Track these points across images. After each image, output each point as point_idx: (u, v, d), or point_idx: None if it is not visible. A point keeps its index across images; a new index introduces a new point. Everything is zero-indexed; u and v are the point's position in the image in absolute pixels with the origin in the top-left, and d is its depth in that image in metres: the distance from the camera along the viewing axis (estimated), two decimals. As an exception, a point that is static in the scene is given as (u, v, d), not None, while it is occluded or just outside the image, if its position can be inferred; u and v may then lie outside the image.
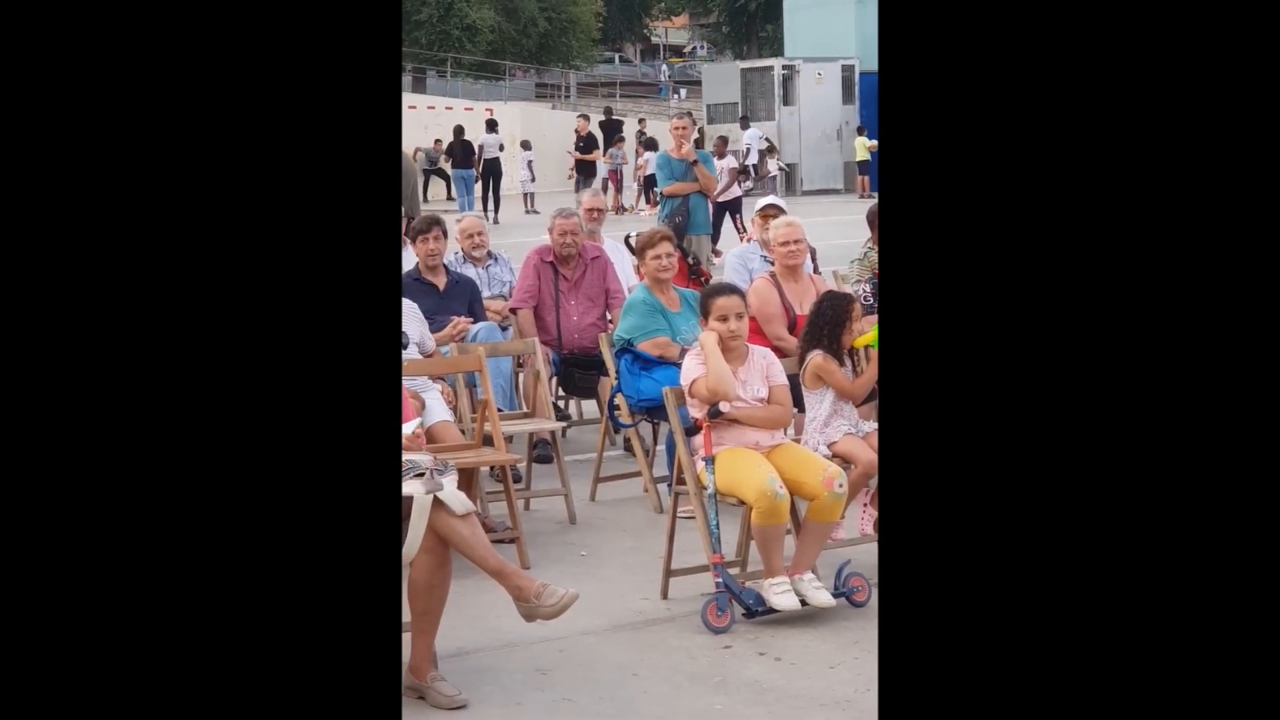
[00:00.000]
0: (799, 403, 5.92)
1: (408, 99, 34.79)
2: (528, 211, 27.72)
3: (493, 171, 27.85)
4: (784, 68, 32.85)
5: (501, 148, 28.62)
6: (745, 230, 10.90)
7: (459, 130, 28.45)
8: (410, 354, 6.60)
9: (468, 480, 5.73)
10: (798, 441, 5.70)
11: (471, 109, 33.97)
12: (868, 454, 5.63)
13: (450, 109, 33.86)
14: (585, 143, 27.94)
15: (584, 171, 27.23)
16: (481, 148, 28.20)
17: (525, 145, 29.80)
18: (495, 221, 25.21)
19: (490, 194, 27.71)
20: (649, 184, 27.68)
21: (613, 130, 30.51)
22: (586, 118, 29.51)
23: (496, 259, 8.76)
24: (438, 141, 29.60)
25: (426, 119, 31.84)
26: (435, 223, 7.80)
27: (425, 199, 21.44)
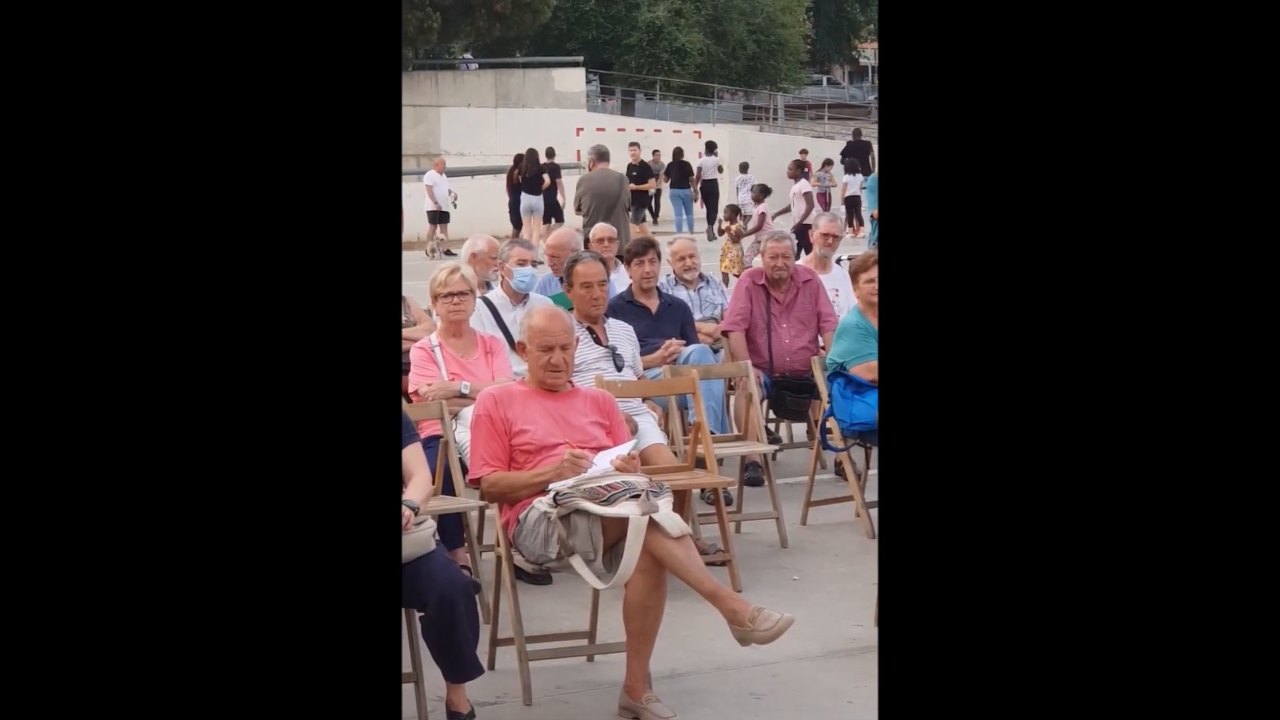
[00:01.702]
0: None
1: (616, 121, 35.14)
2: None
3: (710, 192, 28.37)
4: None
5: (720, 169, 28.76)
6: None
7: (677, 151, 28.69)
8: (624, 376, 6.65)
9: (681, 502, 5.74)
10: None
11: (680, 131, 34.14)
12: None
13: (659, 131, 34.09)
14: (639, 172, 25.86)
15: (637, 202, 25.05)
16: (700, 169, 28.44)
17: (743, 168, 29.83)
18: (711, 238, 25.69)
19: (709, 214, 27.98)
20: (851, 206, 27.50)
21: (863, 152, 30.18)
22: (638, 145, 27.24)
23: (708, 281, 8.79)
24: (656, 153, 29.73)
25: (636, 141, 32.15)
26: (650, 245, 7.86)
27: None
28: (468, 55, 38.79)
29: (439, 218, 24.78)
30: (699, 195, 28.49)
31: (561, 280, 7.11)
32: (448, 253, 22.45)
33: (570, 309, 6.53)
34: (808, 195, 20.42)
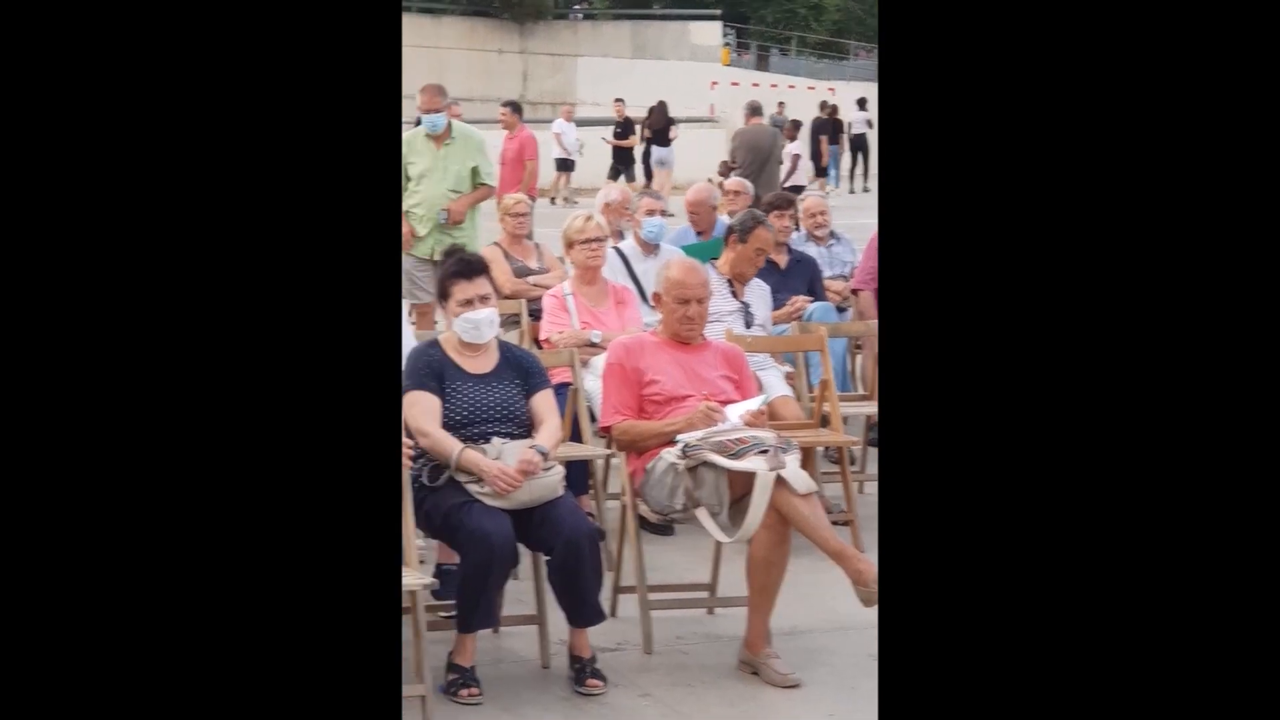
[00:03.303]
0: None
1: (751, 76, 34.92)
2: None
3: (861, 147, 28.68)
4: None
5: (870, 124, 28.62)
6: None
7: (825, 107, 28.59)
8: (754, 332, 6.63)
9: (806, 460, 5.73)
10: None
11: (814, 88, 33.85)
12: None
13: (793, 87, 33.83)
14: (622, 128, 24.28)
15: (620, 159, 24.01)
16: (850, 124, 28.35)
17: None
18: (865, 189, 26.59)
19: (859, 168, 28.65)
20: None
21: None
22: (622, 100, 25.17)
23: (839, 239, 8.71)
24: (781, 104, 29.57)
25: (769, 97, 31.96)
26: (791, 201, 7.83)
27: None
28: (577, 7, 38.86)
29: (565, 165, 24.79)
30: (846, 149, 28.79)
31: (730, 232, 6.89)
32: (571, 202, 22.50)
33: (707, 260, 6.49)
34: (796, 157, 20.24)
